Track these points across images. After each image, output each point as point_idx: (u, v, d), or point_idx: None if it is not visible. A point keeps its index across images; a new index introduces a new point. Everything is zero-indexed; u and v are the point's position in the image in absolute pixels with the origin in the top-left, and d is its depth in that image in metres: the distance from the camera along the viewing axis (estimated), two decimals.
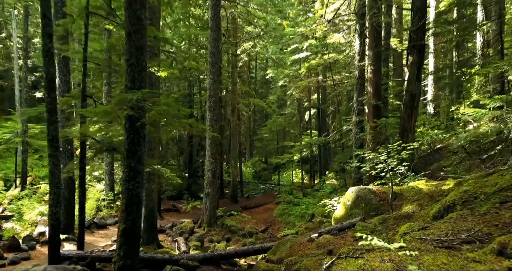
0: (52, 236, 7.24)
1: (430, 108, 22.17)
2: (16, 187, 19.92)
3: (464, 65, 17.65)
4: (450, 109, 19.09)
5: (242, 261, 9.06)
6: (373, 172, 8.04)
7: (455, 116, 19.68)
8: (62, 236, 11.17)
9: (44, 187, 17.07)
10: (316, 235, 7.58)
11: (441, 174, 8.35)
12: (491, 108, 7.09)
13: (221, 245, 10.62)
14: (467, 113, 7.13)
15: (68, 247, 10.53)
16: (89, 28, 11.19)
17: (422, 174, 8.58)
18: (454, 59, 21.88)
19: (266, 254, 7.04)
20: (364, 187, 7.94)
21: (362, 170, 9.23)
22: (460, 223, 3.95)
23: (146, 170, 9.79)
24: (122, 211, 5.93)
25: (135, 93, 5.52)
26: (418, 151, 8.54)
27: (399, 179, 8.53)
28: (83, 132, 5.74)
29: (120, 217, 5.96)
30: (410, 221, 5.60)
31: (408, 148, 7.54)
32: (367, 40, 12.73)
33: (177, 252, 9.30)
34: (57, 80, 11.47)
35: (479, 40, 18.41)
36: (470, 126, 14.74)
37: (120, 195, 18.94)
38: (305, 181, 25.11)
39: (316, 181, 24.98)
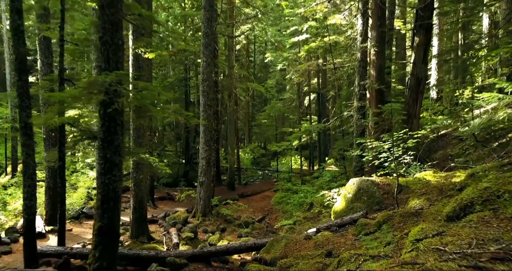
0: (27, 233, 6.68)
1: (433, 93, 21.42)
2: (6, 174, 19.39)
3: (470, 48, 16.84)
4: (455, 94, 18.36)
5: (235, 256, 8.52)
6: (376, 162, 7.41)
7: (459, 101, 18.97)
8: (47, 228, 10.71)
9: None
10: (314, 230, 7.01)
11: (452, 165, 7.72)
12: (509, 93, 6.42)
13: (214, 238, 10.08)
14: (481, 98, 6.47)
15: (54, 240, 10.00)
16: (74, 7, 10.40)
17: (429, 164, 7.95)
18: (460, 42, 21.00)
19: (259, 252, 6.48)
20: (367, 178, 7.33)
21: (364, 159, 8.62)
22: (483, 228, 3.33)
23: (133, 159, 9.18)
24: (97, 207, 5.32)
25: (107, 75, 4.83)
26: (426, 139, 7.89)
27: (403, 169, 7.91)
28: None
29: (95, 214, 5.36)
30: (419, 220, 4.99)
31: (415, 135, 6.90)
32: (370, 20, 11.94)
33: (165, 248, 8.75)
34: (38, 62, 10.78)
35: (485, 21, 17.56)
36: (476, 112, 14.06)
37: None
38: (304, 167, 24.57)
39: (315, 167, 24.43)
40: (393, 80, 18.62)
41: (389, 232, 5.07)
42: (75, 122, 6.24)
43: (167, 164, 27.14)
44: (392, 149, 6.68)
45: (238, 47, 27.62)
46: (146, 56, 9.40)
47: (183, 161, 25.99)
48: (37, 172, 17.62)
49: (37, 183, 15.60)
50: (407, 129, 6.93)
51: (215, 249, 7.05)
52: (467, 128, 7.27)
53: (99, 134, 5.32)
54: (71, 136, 7.88)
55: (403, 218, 5.23)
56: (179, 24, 24.00)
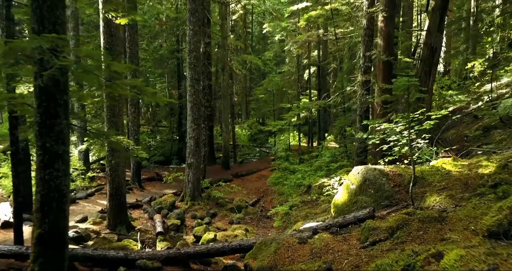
0: None
1: (441, 66, 20.04)
2: None
3: (489, 14, 15.37)
4: (466, 67, 17.04)
5: None
6: (385, 146, 6.26)
7: (470, 75, 17.64)
8: None
9: None
10: (311, 225, 5.96)
11: (479, 152, 6.55)
12: None
13: (199, 229, 9.06)
14: None
15: (23, 229, 9.00)
16: None
17: (446, 149, 6.79)
18: (472, 10, 19.39)
19: (245, 257, 5.44)
20: (374, 167, 6.20)
21: (370, 142, 7.48)
22: None
23: (105, 141, 8.01)
24: (36, 210, 4.22)
25: (34, 40, 3.60)
26: (447, 120, 6.73)
27: (416, 154, 6.77)
28: None
29: (34, 219, 4.27)
30: (444, 229, 3.90)
31: (433, 116, 5.72)
32: None
33: (139, 246, 7.72)
34: None
35: None
36: (487, 86, 12.79)
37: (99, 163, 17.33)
38: (302, 144, 23.42)
39: (314, 144, 23.33)
40: (399, 52, 17.22)
41: (405, 243, 4.00)
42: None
43: (160, 140, 26.13)
44: (407, 132, 5.52)
45: (234, 17, 25.94)
46: (117, 21, 8.09)
47: (177, 137, 24.91)
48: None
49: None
50: (424, 109, 5.74)
51: (194, 250, 6.01)
52: (497, 109, 6.09)
53: (34, 118, 4.14)
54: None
55: (423, 224, 4.13)
56: None
